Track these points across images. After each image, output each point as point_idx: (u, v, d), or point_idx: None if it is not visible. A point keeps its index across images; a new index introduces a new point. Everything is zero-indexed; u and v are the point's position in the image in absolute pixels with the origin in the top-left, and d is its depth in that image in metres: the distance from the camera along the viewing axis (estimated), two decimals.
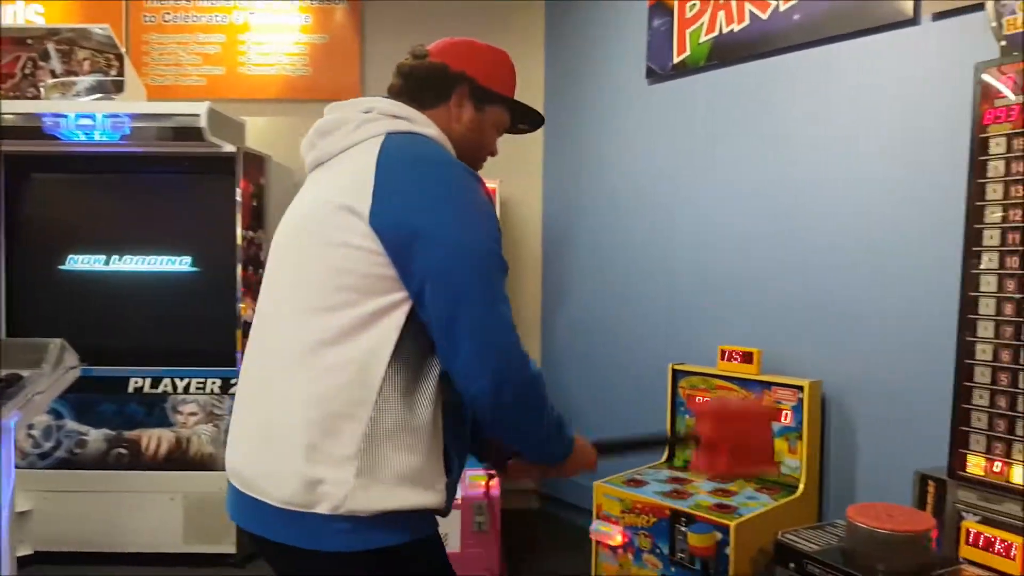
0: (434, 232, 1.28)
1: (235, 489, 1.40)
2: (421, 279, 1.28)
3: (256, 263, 3.73)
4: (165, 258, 3.73)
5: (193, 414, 3.66)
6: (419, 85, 1.51)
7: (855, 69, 2.91)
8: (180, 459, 3.63)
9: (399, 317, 1.31)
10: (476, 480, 3.29)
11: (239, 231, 3.62)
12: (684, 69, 3.56)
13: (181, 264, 3.73)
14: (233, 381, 3.62)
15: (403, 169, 1.34)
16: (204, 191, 3.79)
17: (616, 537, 2.89)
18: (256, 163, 3.79)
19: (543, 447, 1.47)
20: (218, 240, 3.67)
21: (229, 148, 3.66)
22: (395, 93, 1.53)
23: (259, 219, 3.76)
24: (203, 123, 3.53)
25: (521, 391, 1.32)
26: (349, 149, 1.42)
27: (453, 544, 3.21)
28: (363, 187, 1.31)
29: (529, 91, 4.54)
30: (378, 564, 1.30)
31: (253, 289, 3.70)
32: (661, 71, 3.68)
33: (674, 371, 3.28)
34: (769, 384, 2.95)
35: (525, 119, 1.69)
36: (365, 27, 4.46)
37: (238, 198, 3.62)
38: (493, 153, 1.64)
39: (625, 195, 3.90)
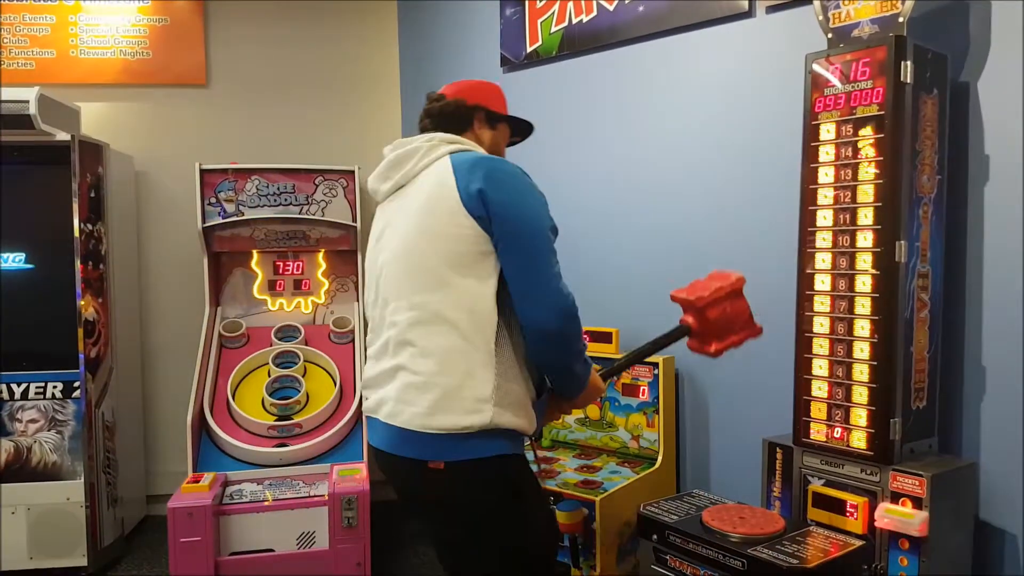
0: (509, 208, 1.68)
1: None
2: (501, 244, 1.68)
3: (96, 258, 3.51)
4: None
5: (34, 421, 3.43)
6: (448, 120, 1.91)
7: (697, 58, 3.03)
8: (21, 470, 3.39)
9: None
10: (345, 474, 3.24)
11: (76, 224, 3.41)
12: (537, 58, 3.61)
13: (14, 261, 3.49)
14: (76, 384, 3.41)
15: (471, 167, 1.72)
16: (38, 182, 3.55)
17: None
18: (93, 152, 3.57)
19: (575, 375, 1.80)
20: (54, 234, 3.45)
21: (63, 136, 3.44)
22: (430, 131, 1.90)
23: (98, 211, 3.55)
24: (33, 110, 3.32)
25: (571, 321, 1.70)
26: (425, 170, 1.79)
27: (321, 541, 3.16)
28: (448, 182, 1.71)
29: (385, 78, 4.49)
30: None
31: (93, 286, 3.49)
32: (515, 60, 3.72)
33: None
34: None
35: (519, 131, 2.11)
36: (208, 10, 4.27)
37: (75, 189, 3.41)
38: None
39: None
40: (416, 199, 1.77)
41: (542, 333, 1.68)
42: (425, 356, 1.66)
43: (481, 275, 1.67)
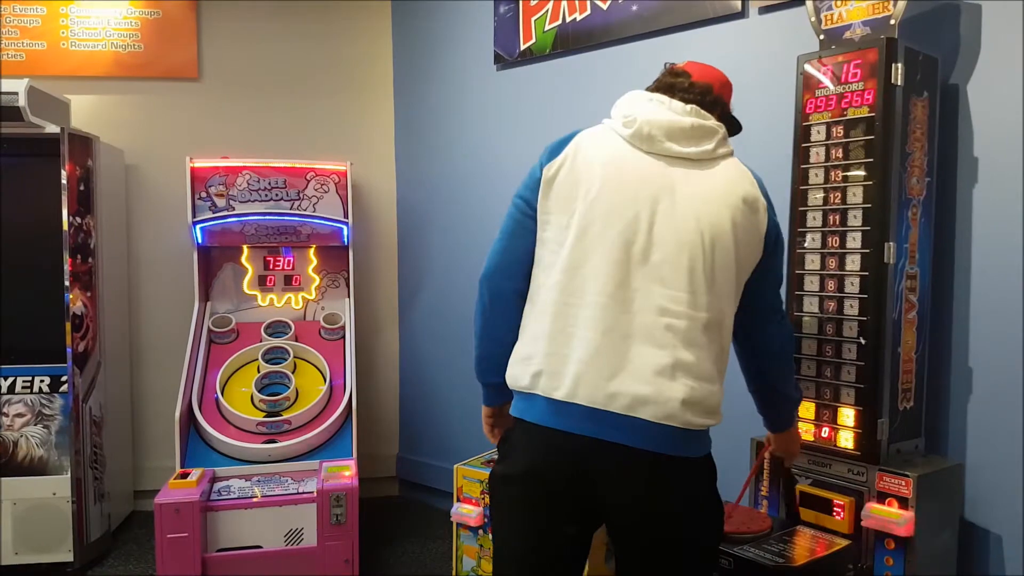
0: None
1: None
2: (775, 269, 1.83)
3: (85, 251, 3.50)
4: None
5: (20, 415, 3.41)
6: (698, 101, 1.79)
7: (690, 58, 3.02)
8: (7, 465, 3.37)
9: None
10: (334, 471, 3.23)
11: (65, 217, 3.39)
12: (531, 56, 3.61)
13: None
14: (63, 379, 3.40)
15: (765, 193, 1.76)
16: (26, 175, 3.52)
17: (476, 517, 2.93)
18: (83, 145, 3.55)
19: (796, 400, 2.11)
20: (43, 227, 3.42)
21: (53, 129, 3.41)
22: (681, 101, 1.78)
23: (87, 204, 3.53)
24: (23, 102, 3.28)
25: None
26: (721, 161, 1.72)
27: (309, 538, 3.15)
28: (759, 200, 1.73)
29: (378, 74, 4.48)
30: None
31: (81, 280, 3.47)
32: (509, 57, 3.71)
33: None
34: None
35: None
36: (201, 4, 4.25)
37: (64, 182, 3.39)
38: None
39: (477, 179, 3.92)
40: (717, 192, 1.67)
41: (783, 351, 1.94)
42: (712, 360, 1.69)
43: (739, 296, 1.76)
